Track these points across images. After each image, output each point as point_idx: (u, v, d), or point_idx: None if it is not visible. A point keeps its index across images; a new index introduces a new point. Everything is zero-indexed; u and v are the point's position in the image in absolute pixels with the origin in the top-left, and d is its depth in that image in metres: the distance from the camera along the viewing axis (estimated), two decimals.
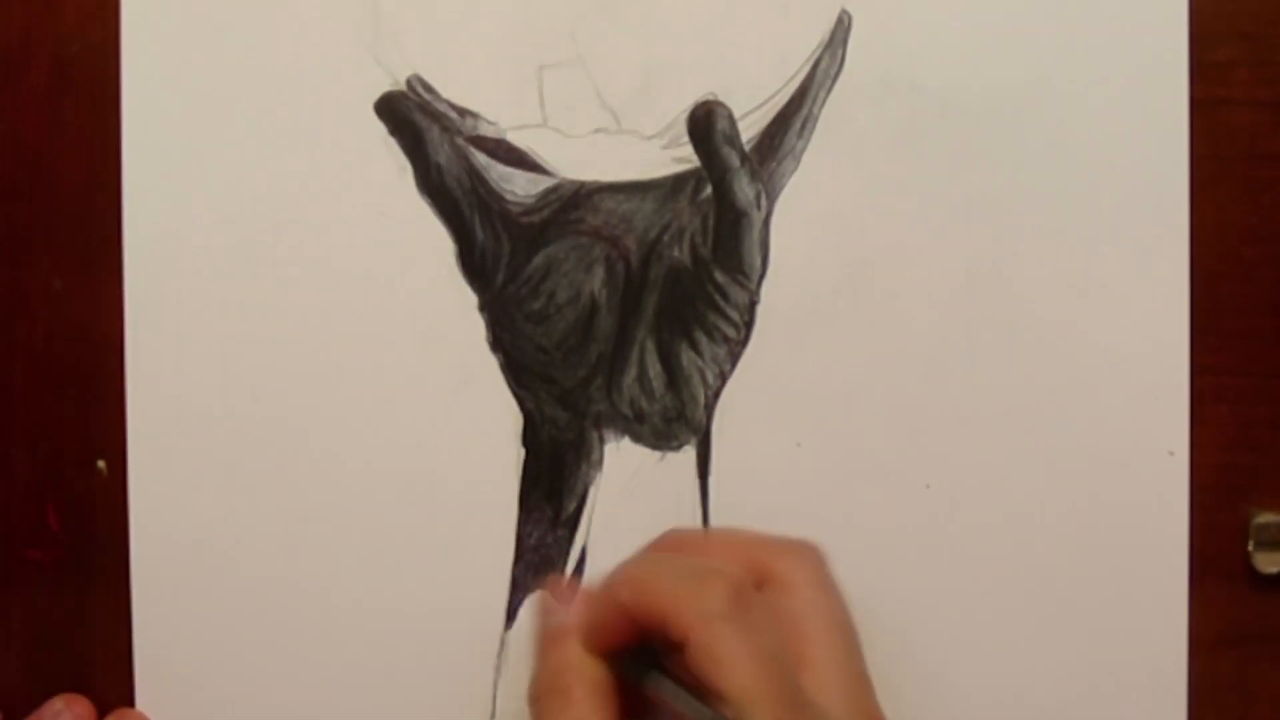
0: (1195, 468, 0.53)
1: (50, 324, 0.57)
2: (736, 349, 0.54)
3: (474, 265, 0.54)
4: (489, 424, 0.55)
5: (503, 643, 0.55)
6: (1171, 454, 0.53)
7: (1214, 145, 0.53)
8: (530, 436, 0.55)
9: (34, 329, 0.57)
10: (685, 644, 0.43)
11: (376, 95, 0.55)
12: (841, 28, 0.53)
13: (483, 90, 0.54)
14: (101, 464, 0.56)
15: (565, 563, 0.55)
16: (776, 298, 0.54)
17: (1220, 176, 0.53)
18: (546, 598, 0.51)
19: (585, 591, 0.48)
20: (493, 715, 0.55)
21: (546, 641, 0.47)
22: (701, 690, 0.43)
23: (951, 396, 0.53)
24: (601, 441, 0.54)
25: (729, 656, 0.42)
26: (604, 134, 0.54)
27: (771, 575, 0.46)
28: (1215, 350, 0.53)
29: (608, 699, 0.45)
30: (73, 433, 0.57)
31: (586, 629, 0.46)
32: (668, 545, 0.49)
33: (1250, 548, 0.53)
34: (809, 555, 0.47)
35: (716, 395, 0.54)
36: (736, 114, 0.54)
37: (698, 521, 0.54)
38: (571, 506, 0.54)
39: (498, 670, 0.55)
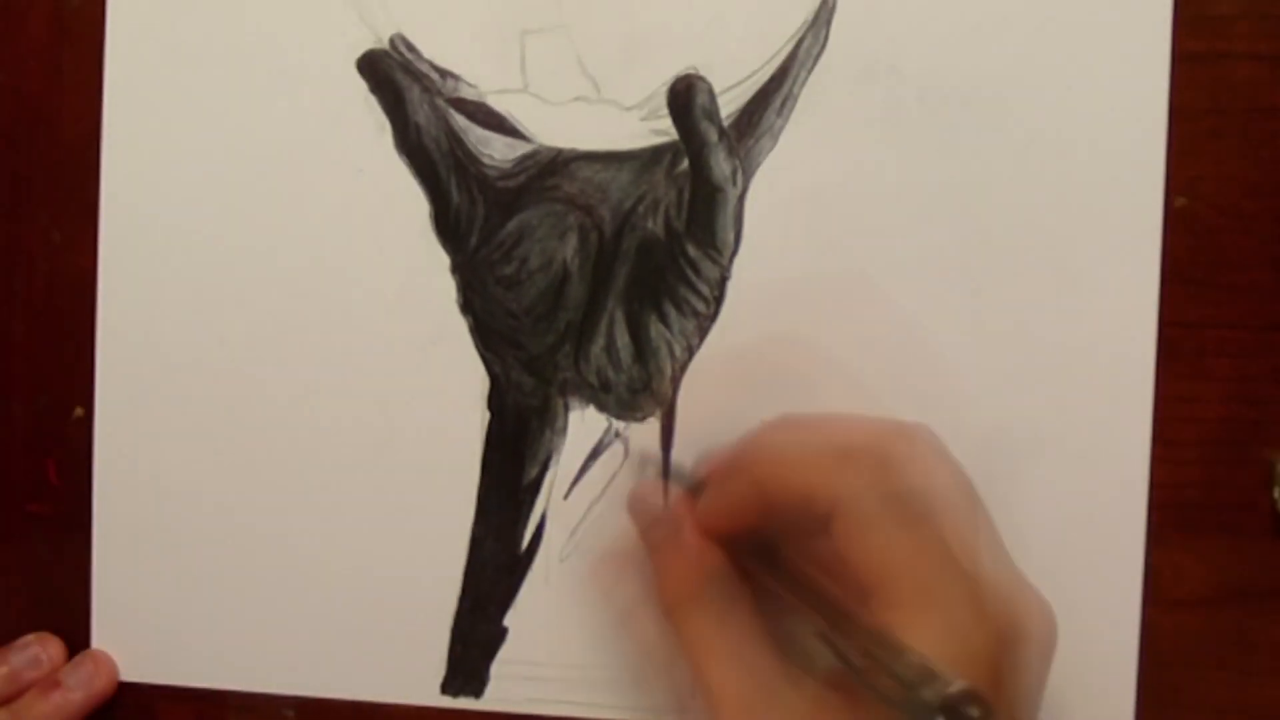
0: (1197, 421, 0.53)
1: (50, 277, 0.58)
2: (705, 323, 0.54)
3: (448, 227, 0.55)
4: (455, 386, 0.55)
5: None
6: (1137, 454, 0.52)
7: (1214, 99, 0.52)
8: (496, 400, 0.55)
9: (33, 282, 0.58)
10: (832, 517, 0.43)
11: (359, 53, 0.55)
12: (825, 9, 0.53)
13: (465, 53, 0.55)
14: (79, 410, 0.57)
15: (525, 528, 0.55)
16: (748, 274, 0.54)
17: (1220, 130, 0.52)
18: (644, 495, 0.52)
19: (700, 481, 0.48)
20: (446, 673, 0.55)
21: (667, 543, 0.48)
22: (819, 577, 0.44)
23: (921, 380, 0.53)
24: (566, 409, 0.55)
25: (880, 526, 0.43)
26: (583, 102, 0.54)
27: (897, 455, 0.46)
28: (1216, 304, 0.53)
29: (740, 594, 0.46)
30: (73, 386, 0.57)
31: (709, 520, 0.47)
32: (788, 428, 0.48)
33: (1276, 494, 0.52)
34: (925, 434, 0.47)
35: (683, 368, 0.54)
36: (717, 89, 0.54)
37: (659, 495, 0.54)
38: (534, 472, 0.55)
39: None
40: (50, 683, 0.56)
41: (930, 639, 0.41)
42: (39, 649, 0.57)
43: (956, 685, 0.39)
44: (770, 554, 0.47)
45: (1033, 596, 0.45)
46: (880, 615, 0.42)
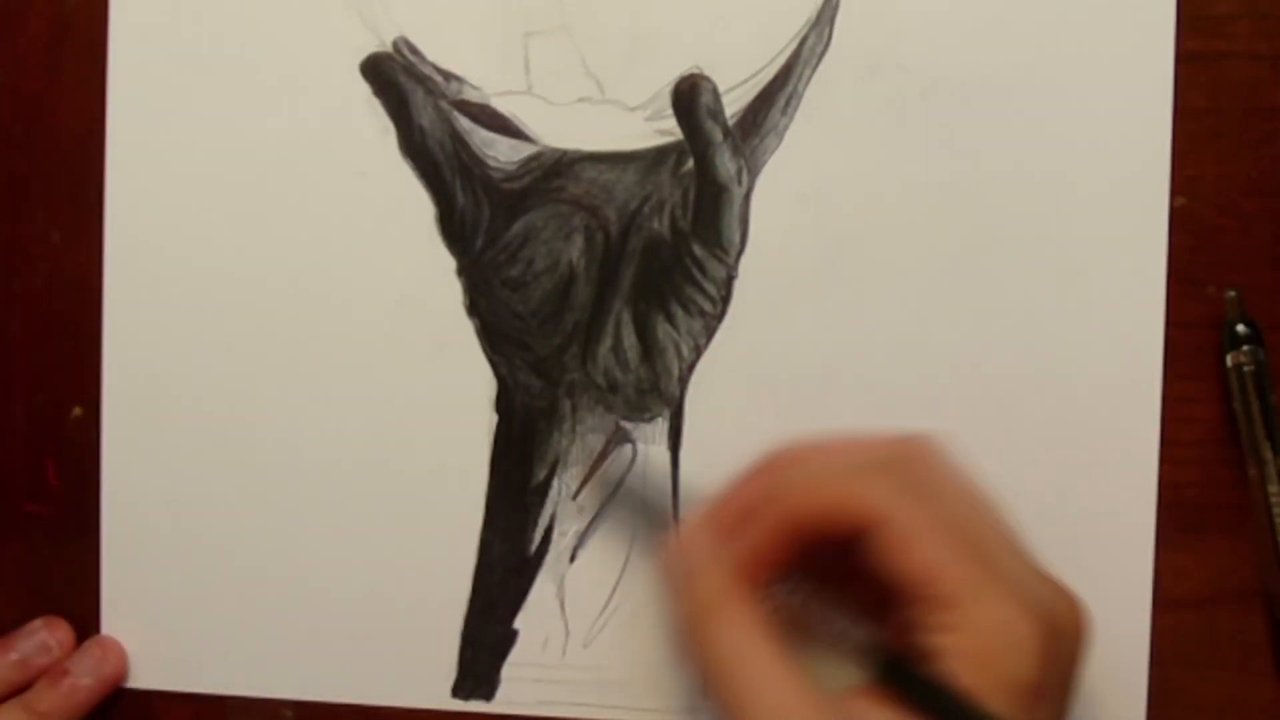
0: (1197, 421, 0.53)
1: (49, 277, 0.57)
2: (712, 323, 0.54)
3: (453, 229, 0.55)
4: (463, 389, 0.55)
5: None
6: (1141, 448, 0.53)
7: (1214, 99, 0.53)
8: (503, 403, 0.55)
9: (33, 281, 0.58)
10: (875, 527, 0.44)
11: (363, 56, 0.55)
12: (829, 6, 0.53)
13: (468, 55, 0.55)
14: (78, 410, 0.57)
15: (534, 530, 0.55)
16: (754, 274, 0.54)
17: (1220, 130, 0.53)
18: (681, 538, 0.50)
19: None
20: (456, 676, 0.55)
21: (692, 569, 0.48)
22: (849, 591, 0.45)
23: (927, 377, 0.53)
24: (574, 410, 0.55)
25: (923, 528, 0.44)
26: (588, 103, 0.54)
27: (912, 457, 0.47)
28: (1215, 303, 0.53)
29: (759, 612, 0.46)
30: (72, 386, 0.57)
31: (747, 568, 0.47)
32: (798, 458, 0.49)
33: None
34: (930, 442, 0.48)
35: (691, 368, 0.54)
36: (721, 88, 0.54)
37: (667, 493, 0.54)
38: (542, 474, 0.55)
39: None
40: (59, 671, 0.56)
41: (983, 634, 0.42)
42: (47, 635, 0.57)
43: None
44: (798, 575, 0.47)
45: (1064, 591, 0.46)
46: (930, 618, 0.43)
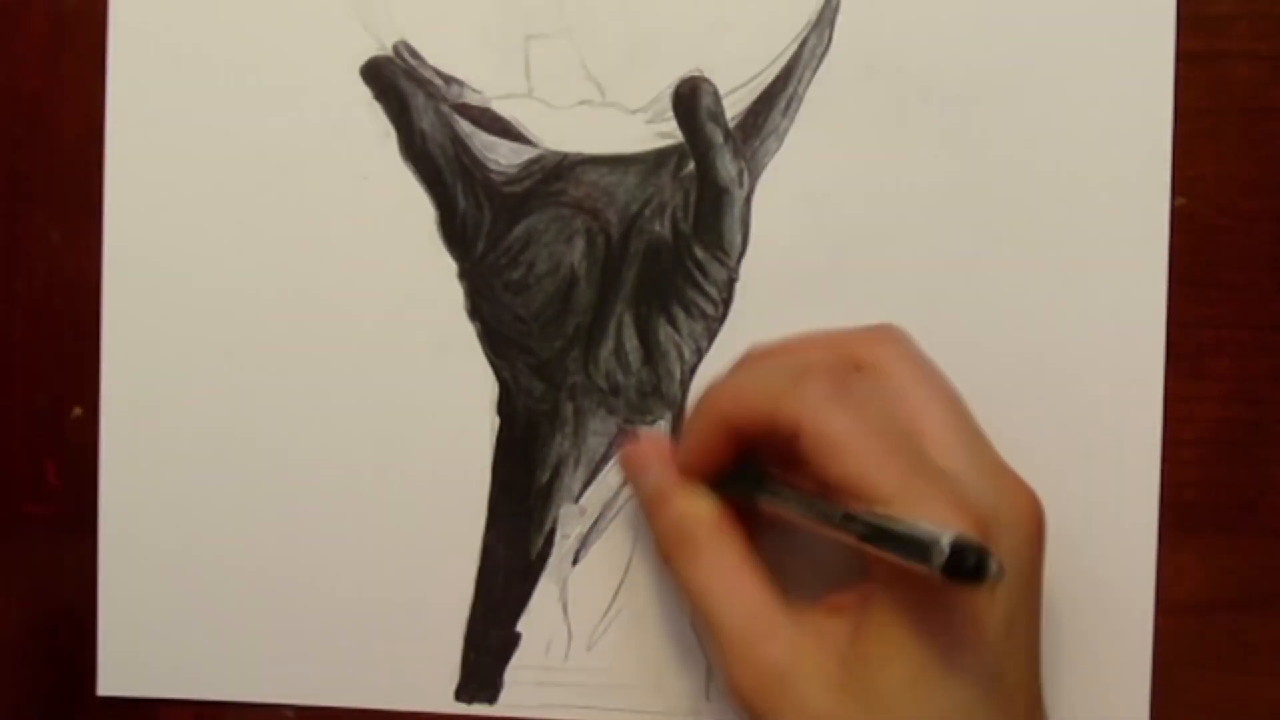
0: (1197, 421, 0.53)
1: (49, 277, 0.57)
2: (714, 326, 0.54)
3: (454, 233, 0.55)
4: (464, 392, 0.55)
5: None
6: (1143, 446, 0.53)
7: (1214, 98, 0.53)
8: (505, 406, 0.55)
9: (33, 282, 0.57)
10: (797, 436, 0.44)
11: (363, 60, 0.55)
12: (829, 8, 0.53)
13: (469, 58, 0.55)
14: (78, 410, 0.57)
15: (537, 533, 0.55)
16: (756, 276, 0.54)
17: (1219, 130, 0.53)
18: (633, 454, 0.52)
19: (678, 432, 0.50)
20: (459, 679, 0.56)
21: (654, 498, 0.49)
22: (813, 491, 0.45)
23: None
24: (576, 413, 0.55)
25: (844, 436, 0.44)
26: (588, 106, 0.54)
27: (862, 362, 0.47)
28: (1216, 303, 0.53)
29: (732, 532, 0.47)
30: (72, 386, 0.57)
31: (688, 463, 0.48)
32: (752, 359, 0.50)
33: None
34: (893, 335, 0.48)
35: (693, 371, 0.54)
36: (722, 91, 0.54)
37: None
38: (544, 477, 0.55)
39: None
40: None
41: None
42: None
43: (950, 534, 0.40)
44: (755, 478, 0.48)
45: (1014, 482, 0.46)
46: None
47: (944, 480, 0.44)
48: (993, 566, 0.39)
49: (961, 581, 0.39)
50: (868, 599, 0.45)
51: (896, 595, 0.44)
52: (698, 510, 0.48)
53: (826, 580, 0.48)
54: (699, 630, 0.47)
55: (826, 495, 0.45)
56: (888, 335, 0.48)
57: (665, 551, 0.49)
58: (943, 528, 0.40)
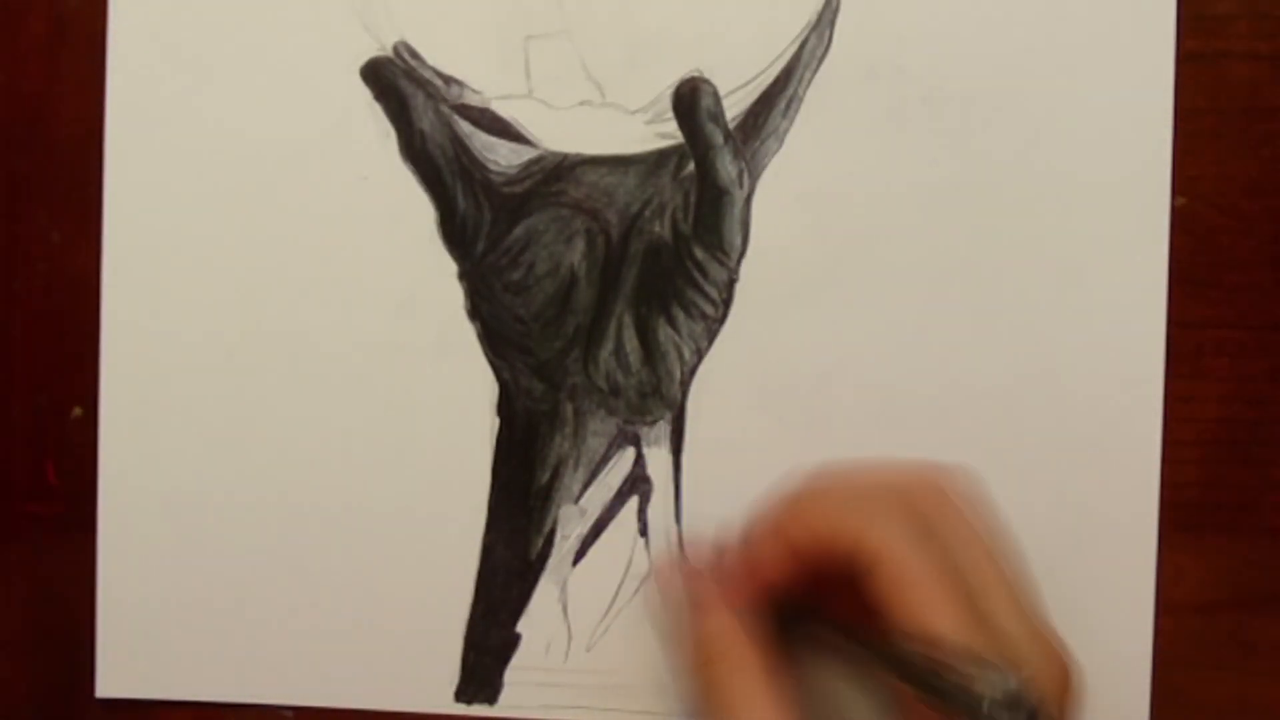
0: (1197, 421, 0.53)
1: (49, 277, 0.57)
2: (714, 326, 0.54)
3: (454, 233, 0.55)
4: (464, 393, 0.55)
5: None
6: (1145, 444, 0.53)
7: (1214, 99, 0.53)
8: (505, 406, 0.55)
9: (32, 282, 0.57)
10: (873, 569, 0.44)
11: (363, 60, 0.55)
12: (829, 9, 0.53)
13: (469, 59, 0.55)
14: (78, 410, 0.57)
15: (536, 534, 0.55)
16: (755, 277, 0.54)
17: (1219, 130, 0.53)
18: (686, 564, 0.52)
19: (733, 548, 0.49)
20: (459, 680, 0.56)
21: (697, 608, 0.49)
22: (865, 630, 0.45)
23: (928, 380, 0.53)
24: (576, 413, 0.55)
25: (922, 576, 0.44)
26: (588, 107, 0.54)
27: (925, 507, 0.47)
28: (1215, 303, 0.53)
29: (764, 656, 0.47)
30: (72, 386, 0.57)
31: (746, 579, 0.48)
32: (812, 491, 0.49)
33: None
34: (951, 483, 0.48)
35: (693, 372, 0.54)
36: (722, 92, 0.54)
37: (669, 496, 0.54)
38: (544, 478, 0.55)
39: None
40: None
41: None
42: None
43: (1013, 681, 0.40)
44: (804, 605, 0.47)
45: (1057, 651, 0.45)
46: None
47: (1002, 640, 0.44)
48: None
49: None
50: None
51: None
52: (739, 628, 0.47)
53: (856, 713, 0.48)
54: None
55: (875, 627, 0.44)
56: (942, 479, 0.48)
57: (699, 662, 0.48)
58: (993, 677, 0.40)
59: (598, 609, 0.55)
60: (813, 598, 0.47)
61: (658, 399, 0.54)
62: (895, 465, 0.48)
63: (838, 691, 0.48)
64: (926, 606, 0.43)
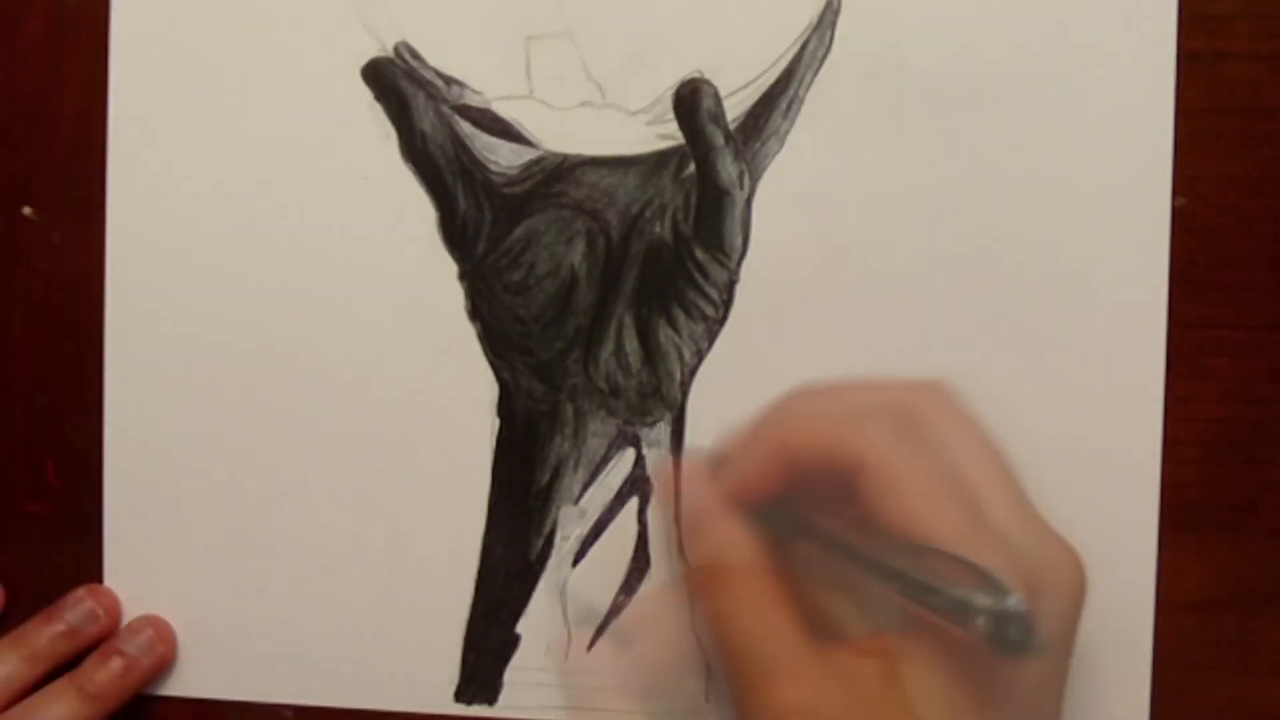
0: (1197, 421, 0.53)
1: (49, 277, 0.57)
2: (714, 327, 0.54)
3: (455, 234, 0.55)
4: (465, 393, 0.55)
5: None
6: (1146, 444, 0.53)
7: (1214, 98, 0.53)
8: (505, 407, 0.55)
9: (33, 282, 0.58)
10: (859, 471, 0.44)
11: (364, 60, 0.55)
12: (830, 10, 0.53)
13: (469, 59, 0.55)
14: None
15: (536, 534, 0.55)
16: (756, 278, 0.54)
17: (1219, 130, 0.53)
18: (672, 476, 0.52)
19: (731, 450, 0.49)
20: (459, 680, 0.56)
21: (695, 522, 0.49)
22: (860, 542, 0.45)
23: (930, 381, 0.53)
24: (576, 414, 0.55)
25: (908, 475, 0.44)
26: (589, 107, 0.54)
27: (916, 411, 0.46)
28: (1215, 303, 0.53)
29: (766, 564, 0.46)
30: (72, 386, 0.57)
31: (737, 489, 0.48)
32: (803, 395, 0.49)
33: None
34: (944, 389, 0.47)
35: (693, 373, 0.54)
36: (722, 92, 0.54)
37: (670, 497, 0.54)
38: (544, 479, 0.55)
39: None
40: (110, 649, 0.55)
41: None
42: (93, 603, 0.56)
43: (1013, 600, 0.40)
44: (799, 520, 0.47)
45: (1060, 546, 0.45)
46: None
47: (998, 536, 0.43)
48: (1035, 643, 0.40)
49: (1004, 652, 0.40)
50: (905, 644, 0.45)
51: (938, 645, 0.44)
52: (737, 539, 0.47)
53: (857, 619, 0.48)
54: (720, 658, 0.46)
55: (871, 540, 0.44)
56: (939, 389, 0.48)
57: (699, 576, 0.48)
58: (989, 594, 0.40)
59: (598, 610, 0.55)
60: (808, 508, 0.47)
61: (658, 400, 0.54)
62: (885, 380, 0.49)
63: (840, 601, 0.48)
64: (919, 509, 0.43)
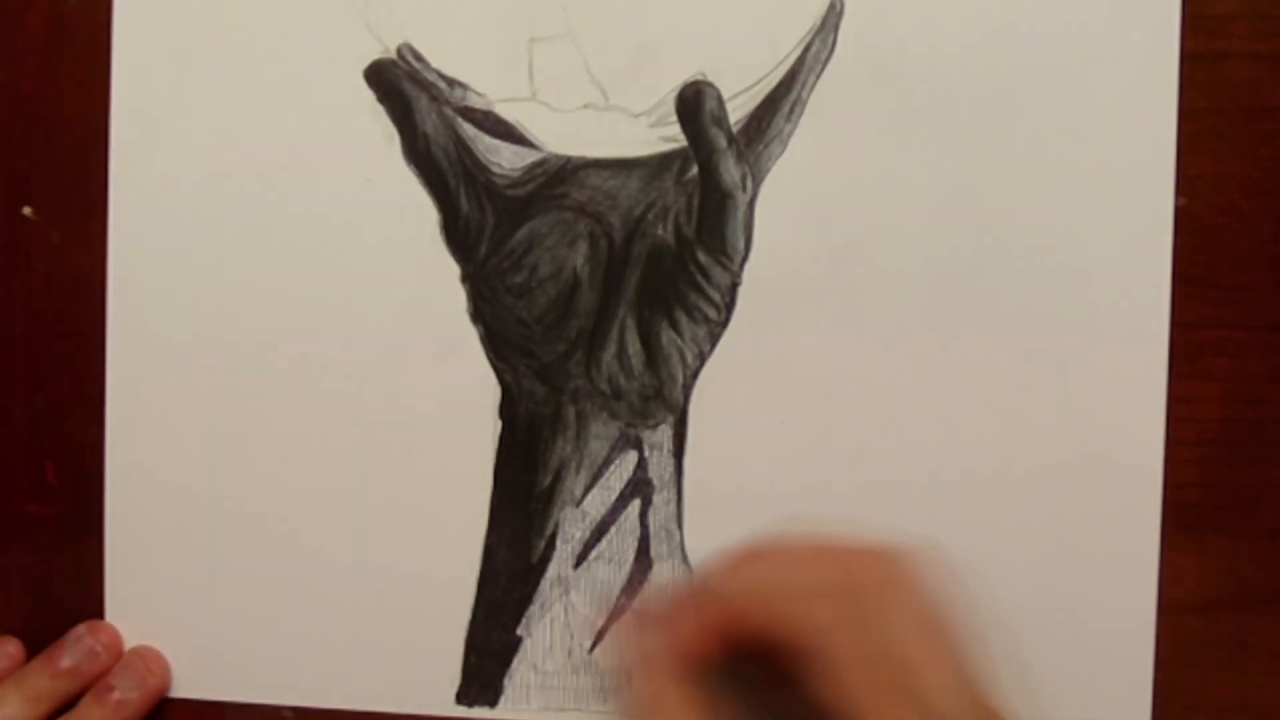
0: (1197, 421, 0.53)
1: (49, 277, 0.57)
2: (716, 330, 0.54)
3: (458, 236, 0.55)
4: (467, 395, 0.55)
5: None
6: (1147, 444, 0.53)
7: (1214, 99, 0.53)
8: (507, 409, 0.55)
9: (33, 282, 0.57)
10: (802, 655, 0.43)
11: (366, 62, 0.55)
12: (833, 13, 0.53)
13: (472, 61, 0.55)
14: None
15: (538, 537, 0.55)
16: (758, 280, 0.54)
17: (1219, 130, 0.53)
18: (642, 614, 0.52)
19: (682, 607, 0.48)
20: (461, 682, 0.56)
21: (644, 664, 0.47)
22: (796, 699, 0.44)
23: (931, 381, 0.53)
24: (578, 417, 0.55)
25: (851, 664, 0.43)
26: (592, 110, 0.54)
27: (864, 585, 0.46)
28: (1215, 303, 0.53)
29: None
30: (72, 386, 0.57)
31: (675, 653, 0.46)
32: (752, 559, 0.48)
33: None
34: (895, 560, 0.46)
35: (695, 375, 0.54)
36: (725, 95, 0.54)
37: (672, 501, 0.54)
38: (546, 481, 0.55)
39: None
40: (104, 686, 0.56)
41: None
42: (92, 640, 0.56)
43: None
44: (735, 687, 0.47)
45: None
46: None
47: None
48: None
49: None
50: None
51: None
52: (676, 694, 0.46)
53: None
54: None
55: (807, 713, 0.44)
56: (890, 560, 0.46)
57: (634, 712, 0.47)
58: None
59: (599, 612, 0.55)
60: (746, 677, 0.46)
61: (660, 402, 0.54)
62: (835, 542, 0.47)
63: None
64: (857, 697, 0.42)
